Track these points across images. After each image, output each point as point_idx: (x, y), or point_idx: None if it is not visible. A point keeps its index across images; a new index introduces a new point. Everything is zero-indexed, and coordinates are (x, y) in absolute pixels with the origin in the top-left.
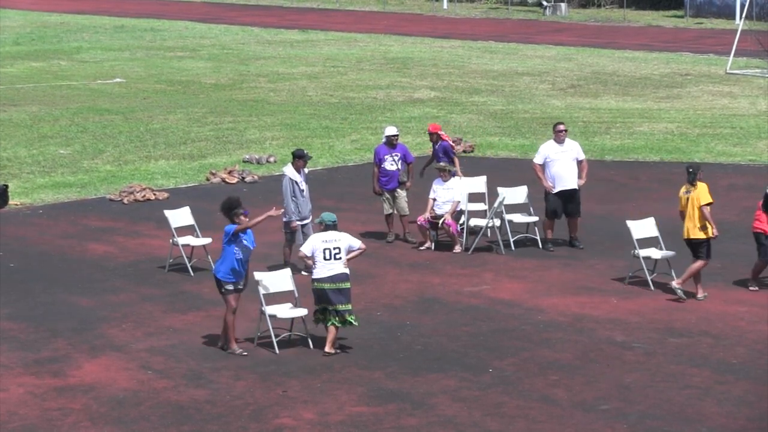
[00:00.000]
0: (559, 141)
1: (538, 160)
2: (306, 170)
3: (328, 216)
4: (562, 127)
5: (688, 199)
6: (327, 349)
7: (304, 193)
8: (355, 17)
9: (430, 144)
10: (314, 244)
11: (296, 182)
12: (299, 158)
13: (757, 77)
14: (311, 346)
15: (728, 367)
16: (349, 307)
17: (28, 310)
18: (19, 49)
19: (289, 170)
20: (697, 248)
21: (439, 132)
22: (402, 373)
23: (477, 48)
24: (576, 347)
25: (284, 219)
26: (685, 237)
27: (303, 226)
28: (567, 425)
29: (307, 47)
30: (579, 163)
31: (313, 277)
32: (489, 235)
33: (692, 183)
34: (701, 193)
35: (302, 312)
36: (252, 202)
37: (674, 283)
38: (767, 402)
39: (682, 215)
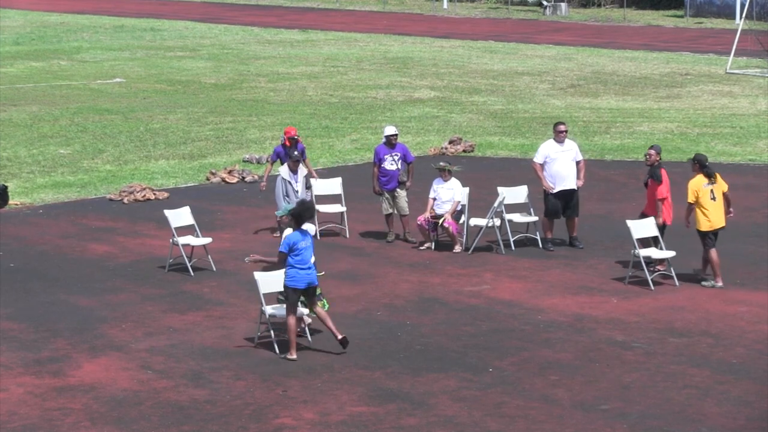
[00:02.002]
0: (560, 141)
1: (538, 159)
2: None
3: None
4: (563, 127)
5: (711, 191)
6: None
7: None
8: (355, 17)
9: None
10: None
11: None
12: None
13: (757, 77)
14: (310, 343)
15: (728, 367)
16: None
17: (28, 310)
18: (19, 49)
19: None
20: (715, 237)
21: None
22: (402, 373)
23: (477, 48)
24: (576, 347)
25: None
26: (713, 228)
27: None
28: (567, 425)
29: (307, 47)
30: (577, 163)
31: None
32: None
33: (711, 175)
34: (722, 182)
35: (303, 312)
36: (252, 202)
37: (719, 284)
38: (767, 402)
39: (691, 208)
